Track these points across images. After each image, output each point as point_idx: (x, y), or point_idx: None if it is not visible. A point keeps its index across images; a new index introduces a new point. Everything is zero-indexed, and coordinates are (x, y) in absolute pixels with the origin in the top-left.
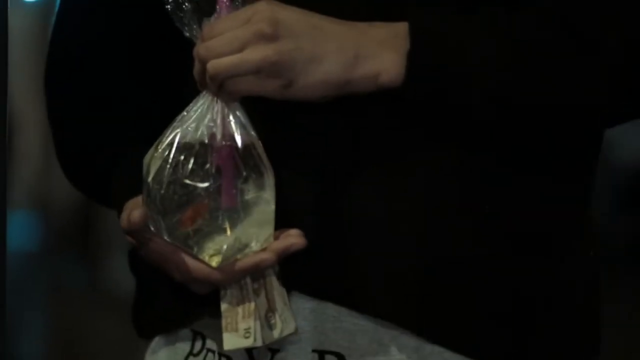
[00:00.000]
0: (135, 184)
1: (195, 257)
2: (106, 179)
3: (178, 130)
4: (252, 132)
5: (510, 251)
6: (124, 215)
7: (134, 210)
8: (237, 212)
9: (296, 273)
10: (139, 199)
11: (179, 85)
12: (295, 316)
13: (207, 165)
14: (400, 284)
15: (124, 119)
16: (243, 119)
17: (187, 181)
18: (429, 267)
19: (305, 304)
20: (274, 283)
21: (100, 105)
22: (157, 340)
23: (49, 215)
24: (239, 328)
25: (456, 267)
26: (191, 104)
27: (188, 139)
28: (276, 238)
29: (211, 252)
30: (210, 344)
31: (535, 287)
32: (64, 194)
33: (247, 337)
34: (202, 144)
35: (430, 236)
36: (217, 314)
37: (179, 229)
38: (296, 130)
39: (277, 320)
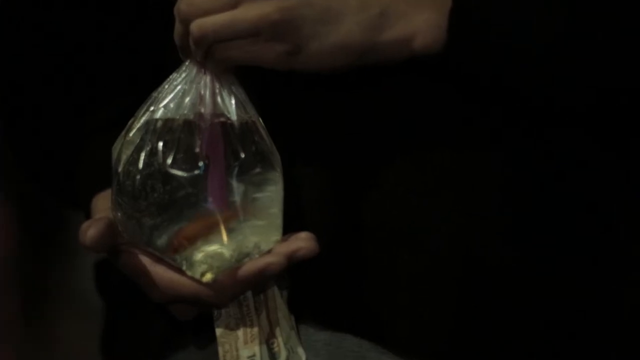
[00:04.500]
0: (104, 176)
1: (180, 271)
2: (70, 174)
3: (153, 108)
4: (252, 110)
5: (574, 277)
6: (82, 228)
7: (91, 227)
8: (235, 213)
9: (305, 296)
10: (108, 194)
11: (158, 55)
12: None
13: (195, 151)
14: (435, 313)
15: (90, 99)
16: (239, 94)
17: (170, 170)
18: (470, 294)
19: (317, 336)
20: (278, 301)
21: (59, 82)
22: None
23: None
24: (241, 356)
25: (504, 295)
26: (171, 77)
27: (167, 119)
28: None
29: (203, 267)
30: None
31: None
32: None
33: None
34: (185, 125)
35: (473, 255)
36: (205, 343)
37: (172, 247)
38: (305, 112)
39: (281, 348)
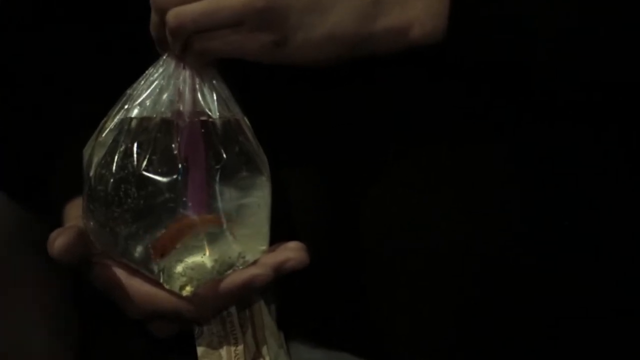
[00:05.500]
0: (78, 181)
1: (158, 284)
2: (42, 179)
3: (128, 106)
4: (236, 107)
5: (576, 273)
6: (51, 237)
7: (60, 236)
8: (218, 220)
9: (295, 308)
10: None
11: (138, 51)
12: None
13: (173, 153)
14: (435, 310)
15: (65, 99)
16: (221, 90)
17: (145, 174)
18: (471, 291)
19: (310, 354)
20: (265, 316)
21: (33, 81)
22: None
23: None
24: None
25: (504, 292)
26: (147, 72)
27: (143, 118)
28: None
29: (183, 280)
30: None
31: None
32: None
33: None
34: (162, 124)
35: (473, 252)
36: None
37: (151, 258)
38: (294, 108)
39: None
